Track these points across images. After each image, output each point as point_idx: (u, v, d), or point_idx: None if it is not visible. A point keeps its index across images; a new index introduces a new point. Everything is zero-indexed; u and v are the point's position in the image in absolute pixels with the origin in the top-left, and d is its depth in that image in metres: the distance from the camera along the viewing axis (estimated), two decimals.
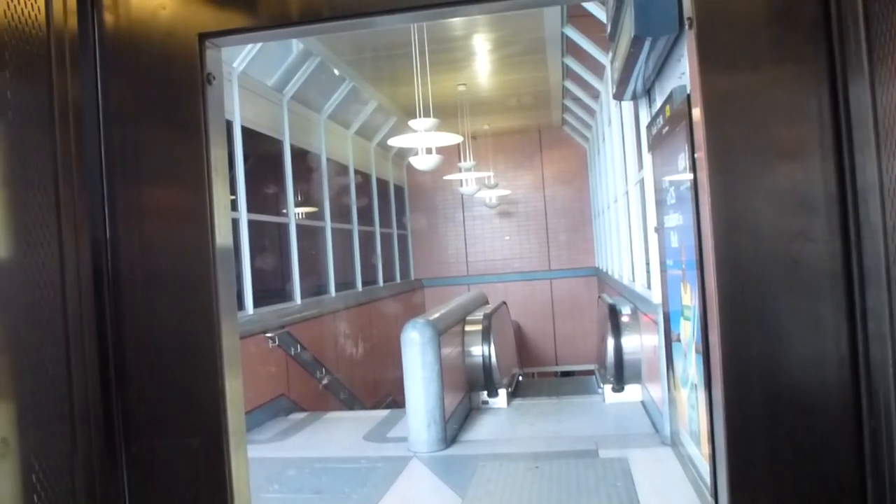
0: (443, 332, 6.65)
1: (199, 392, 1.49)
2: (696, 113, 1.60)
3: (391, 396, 11.67)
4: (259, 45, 8.42)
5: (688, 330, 4.74)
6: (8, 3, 1.41)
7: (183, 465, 1.48)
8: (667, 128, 5.20)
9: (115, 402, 1.47)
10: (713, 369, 1.53)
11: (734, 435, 1.43)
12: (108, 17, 1.69)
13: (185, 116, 1.64)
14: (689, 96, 4.38)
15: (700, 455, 4.61)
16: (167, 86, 1.67)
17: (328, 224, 11.45)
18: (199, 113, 1.65)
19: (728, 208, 1.50)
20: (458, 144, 12.04)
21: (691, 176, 4.47)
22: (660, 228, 5.83)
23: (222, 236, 1.57)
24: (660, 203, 5.84)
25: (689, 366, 4.74)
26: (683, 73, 4.91)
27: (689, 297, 4.66)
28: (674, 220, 5.05)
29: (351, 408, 10.49)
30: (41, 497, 1.29)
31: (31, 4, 1.49)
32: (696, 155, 1.82)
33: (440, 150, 9.79)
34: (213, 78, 1.73)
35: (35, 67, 1.48)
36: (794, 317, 1.44)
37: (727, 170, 1.51)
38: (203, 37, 1.67)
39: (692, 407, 4.78)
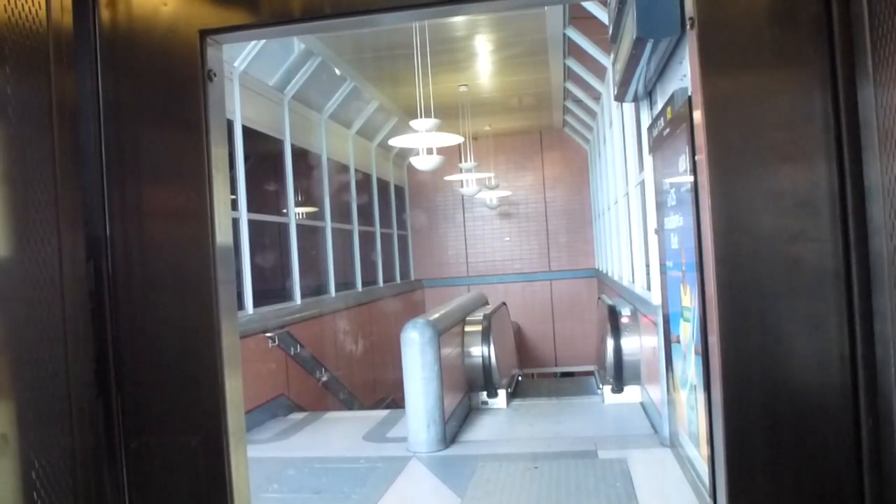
0: (442, 332, 6.64)
1: (199, 390, 1.48)
2: (697, 114, 1.60)
3: (391, 396, 11.66)
4: (260, 44, 8.42)
5: (687, 331, 4.74)
6: (7, 2, 1.41)
7: (182, 463, 1.48)
8: (668, 130, 5.21)
9: (114, 400, 1.46)
10: (712, 370, 1.53)
11: (733, 435, 1.43)
12: (108, 14, 1.69)
13: (186, 114, 1.63)
14: (690, 97, 4.38)
15: (699, 456, 4.60)
16: (167, 83, 1.67)
17: (328, 224, 11.44)
18: (200, 110, 1.65)
19: (728, 209, 1.50)
20: (459, 145, 12.05)
21: (692, 178, 4.47)
22: (660, 230, 5.82)
23: (222, 235, 1.57)
24: (660, 205, 5.83)
25: (689, 367, 4.73)
26: (685, 75, 4.91)
27: (688, 299, 4.66)
28: (674, 221, 5.05)
29: (350, 408, 10.49)
30: (41, 494, 1.29)
31: (31, 4, 1.48)
32: (696, 157, 1.82)
33: (441, 151, 9.79)
34: (214, 75, 1.72)
35: (34, 64, 1.48)
36: (793, 317, 1.44)
37: (728, 170, 1.51)
38: (204, 33, 1.66)
39: (691, 408, 4.78)
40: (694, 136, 4.54)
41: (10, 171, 1.32)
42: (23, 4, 1.45)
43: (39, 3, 1.50)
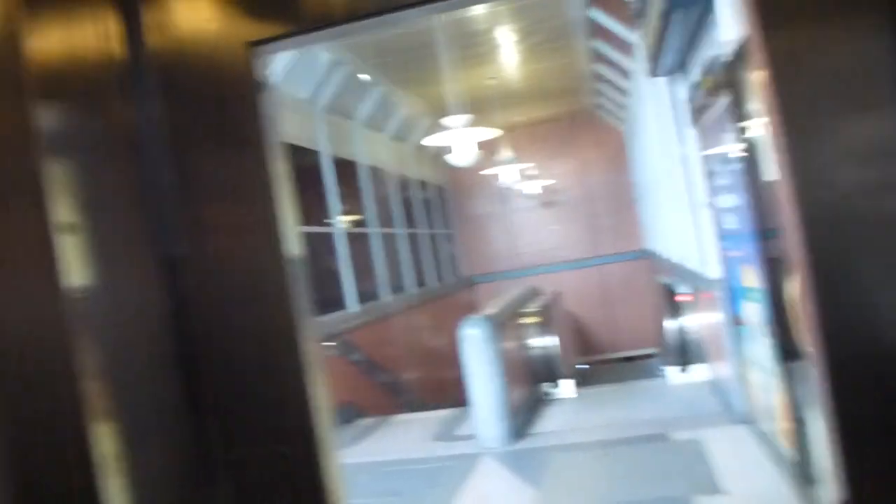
0: (501, 326, 6.61)
1: (287, 400, 1.48)
2: (761, 72, 1.54)
3: (454, 395, 11.66)
4: (291, 60, 8.49)
5: (754, 312, 4.60)
6: (64, 37, 1.43)
7: (278, 473, 1.48)
8: (708, 99, 5.11)
9: (206, 416, 1.47)
10: (815, 340, 1.46)
11: (843, 406, 1.36)
12: (156, 38, 1.69)
13: (242, 129, 1.63)
14: (732, 62, 4.25)
15: (779, 431, 4.48)
16: (220, 100, 1.67)
17: (374, 230, 11.52)
18: (255, 124, 1.65)
19: (808, 167, 1.44)
20: (495, 138, 12.00)
21: (740, 146, 4.37)
22: (711, 204, 5.71)
23: (292, 247, 1.57)
24: (708, 176, 5.72)
25: (759, 348, 4.59)
26: (719, 41, 4.79)
27: (752, 280, 4.52)
28: (728, 200, 4.93)
29: (416, 409, 10.51)
30: None
31: (85, 36, 1.50)
32: (763, 118, 1.75)
33: (477, 145, 9.76)
34: (264, 86, 1.72)
35: (93, 95, 1.50)
36: (891, 273, 1.38)
37: (802, 127, 1.45)
38: (251, 45, 1.66)
39: (766, 391, 4.64)
40: (739, 103, 4.41)
41: (85, 202, 1.34)
42: (77, 37, 1.47)
43: (92, 34, 1.52)
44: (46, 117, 1.32)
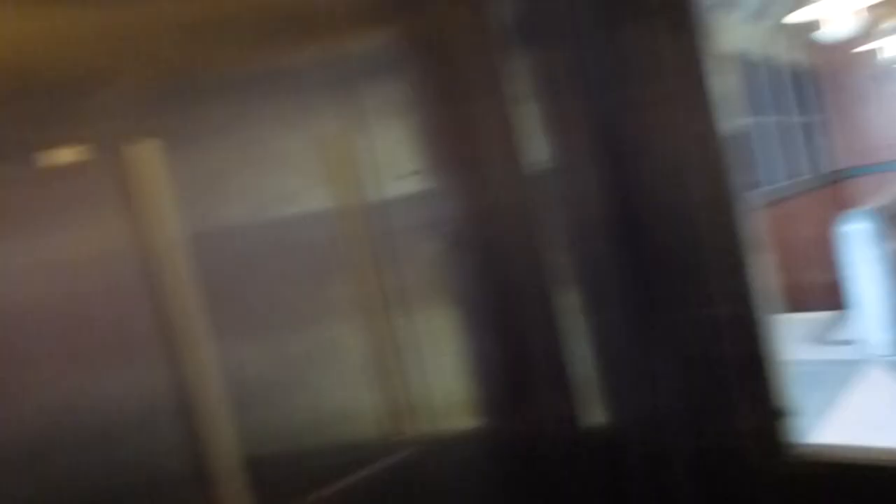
0: (892, 220, 5.84)
1: (723, 270, 1.50)
2: None
3: (830, 297, 10.76)
4: None
5: None
6: None
7: (713, 337, 1.51)
8: None
9: (649, 285, 1.54)
10: None
11: None
12: None
13: (668, 4, 1.59)
14: None
15: None
16: None
17: (734, 118, 10.83)
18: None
19: None
20: (876, 6, 10.32)
21: None
22: None
23: (719, 122, 1.54)
24: None
25: None
26: None
27: None
28: None
29: (786, 311, 9.92)
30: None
31: None
32: None
33: (855, 14, 8.50)
34: None
35: None
36: None
37: None
38: None
39: None
40: None
41: (535, 85, 1.44)
42: None
43: None
44: (498, 10, 1.43)
